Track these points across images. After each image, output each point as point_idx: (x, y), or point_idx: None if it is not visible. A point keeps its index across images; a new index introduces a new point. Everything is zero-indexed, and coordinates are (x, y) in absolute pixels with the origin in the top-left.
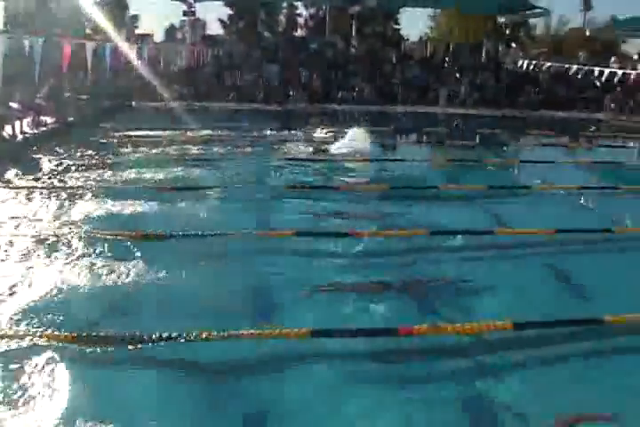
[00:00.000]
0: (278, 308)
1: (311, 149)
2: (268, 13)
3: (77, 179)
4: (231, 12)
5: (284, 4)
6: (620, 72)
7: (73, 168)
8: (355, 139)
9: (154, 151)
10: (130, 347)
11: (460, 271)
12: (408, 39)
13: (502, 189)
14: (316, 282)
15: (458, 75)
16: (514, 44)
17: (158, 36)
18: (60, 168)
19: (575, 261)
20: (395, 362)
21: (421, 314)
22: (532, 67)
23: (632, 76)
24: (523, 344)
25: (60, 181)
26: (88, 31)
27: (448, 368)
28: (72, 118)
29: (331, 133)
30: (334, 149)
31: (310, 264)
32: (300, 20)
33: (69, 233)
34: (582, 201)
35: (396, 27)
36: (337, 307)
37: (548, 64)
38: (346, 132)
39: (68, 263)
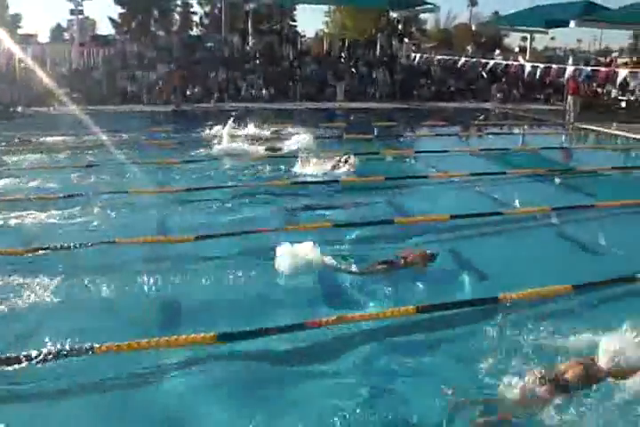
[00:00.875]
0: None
1: (210, 151)
2: (161, 12)
3: None
4: (122, 11)
5: (178, 2)
6: (503, 63)
7: None
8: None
9: (38, 159)
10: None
11: (363, 260)
12: (305, 35)
13: (400, 179)
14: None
15: (354, 70)
16: (406, 39)
17: (44, 37)
18: None
19: (469, 244)
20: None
21: (326, 305)
22: (424, 60)
23: (513, 68)
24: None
25: None
26: None
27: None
28: None
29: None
30: None
31: (212, 265)
32: (195, 19)
33: None
34: (474, 187)
35: (293, 23)
36: (242, 305)
37: (439, 57)
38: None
39: None
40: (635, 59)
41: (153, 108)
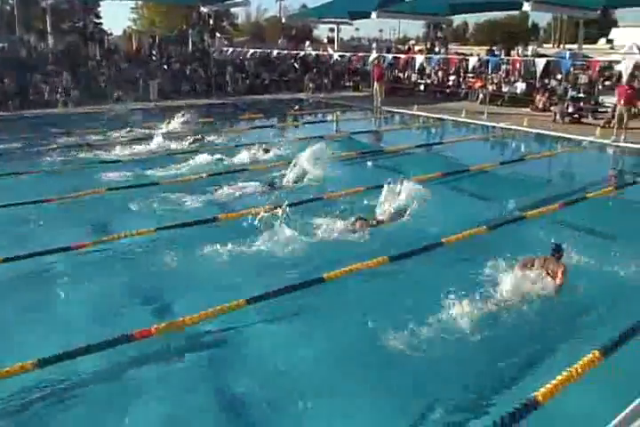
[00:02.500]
0: None
1: None
2: None
3: None
4: None
5: None
6: (314, 54)
7: None
8: None
9: None
10: None
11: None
12: (112, 33)
13: (221, 174)
14: None
15: (166, 67)
16: (218, 34)
17: None
18: None
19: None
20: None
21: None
22: (237, 55)
23: (323, 58)
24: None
25: None
26: None
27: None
28: None
29: None
30: None
31: None
32: None
33: None
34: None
35: (97, 21)
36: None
37: (252, 51)
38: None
39: None
40: (429, 46)
41: None
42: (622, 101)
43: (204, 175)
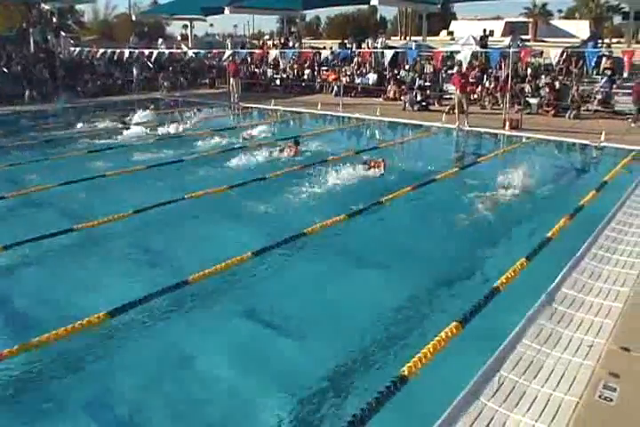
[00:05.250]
0: None
1: None
2: None
3: None
4: None
5: None
6: (167, 52)
7: None
8: None
9: None
10: None
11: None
12: None
13: (74, 183)
14: None
15: (6, 69)
16: (64, 33)
17: None
18: None
19: (158, 235)
20: None
21: None
22: (86, 54)
23: (177, 56)
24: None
25: None
26: None
27: None
28: None
29: None
30: None
31: None
32: None
33: None
34: (156, 177)
35: None
36: None
37: (102, 50)
38: None
39: None
40: (283, 40)
41: None
42: (458, 90)
43: (48, 186)
